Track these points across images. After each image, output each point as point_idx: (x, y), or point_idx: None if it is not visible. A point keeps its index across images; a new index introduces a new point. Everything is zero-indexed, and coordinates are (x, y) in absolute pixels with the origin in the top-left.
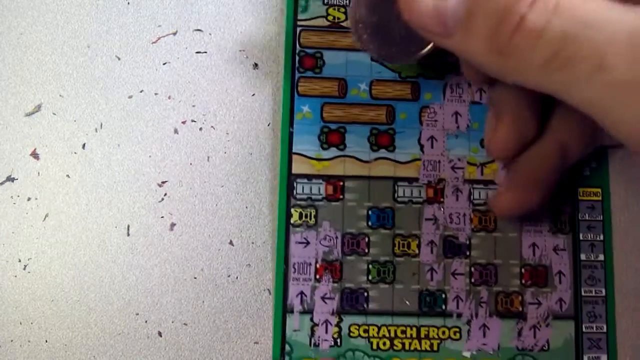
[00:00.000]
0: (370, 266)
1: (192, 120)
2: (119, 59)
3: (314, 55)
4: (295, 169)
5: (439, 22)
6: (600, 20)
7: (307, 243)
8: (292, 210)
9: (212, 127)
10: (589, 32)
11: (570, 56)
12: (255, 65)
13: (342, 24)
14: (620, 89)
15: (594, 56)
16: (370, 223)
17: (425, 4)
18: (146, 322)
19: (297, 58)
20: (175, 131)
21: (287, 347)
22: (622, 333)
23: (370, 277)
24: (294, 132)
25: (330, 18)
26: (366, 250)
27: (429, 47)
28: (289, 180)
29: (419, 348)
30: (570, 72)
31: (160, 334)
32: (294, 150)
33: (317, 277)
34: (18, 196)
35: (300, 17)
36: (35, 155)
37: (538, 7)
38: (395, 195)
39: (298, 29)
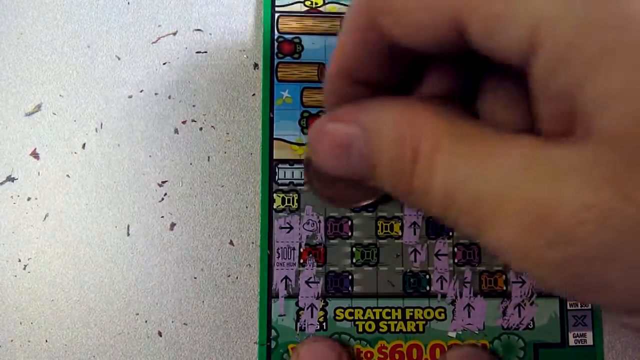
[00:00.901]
0: (354, 249)
1: (193, 120)
2: (119, 58)
3: (293, 41)
4: (277, 155)
5: (346, 170)
6: (475, 180)
7: (291, 228)
8: (275, 195)
9: (212, 127)
10: (466, 193)
11: (454, 216)
12: (256, 65)
13: (319, 8)
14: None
15: (476, 222)
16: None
17: (324, 148)
18: (146, 322)
19: (275, 44)
20: (176, 131)
21: (273, 332)
22: None
23: (354, 260)
24: (274, 118)
25: (307, 3)
26: (349, 234)
27: (377, 197)
28: (270, 165)
29: (404, 329)
30: (458, 224)
31: (160, 333)
32: (274, 136)
33: (302, 261)
34: (18, 196)
35: (278, 2)
36: (35, 155)
37: (419, 168)
38: None
39: (276, 15)
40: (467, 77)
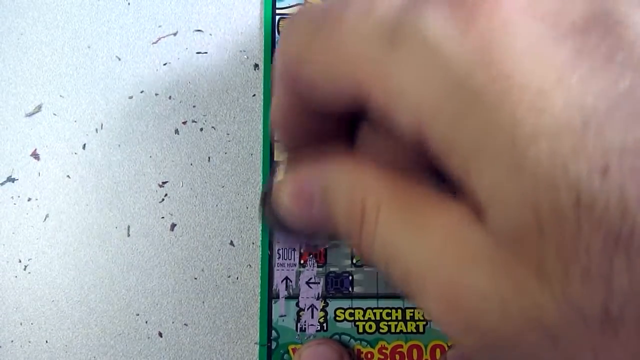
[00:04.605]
0: (354, 250)
1: (193, 121)
2: (119, 59)
3: None
4: (278, 156)
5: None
6: (414, 257)
7: None
8: None
9: (212, 127)
10: (399, 264)
11: (394, 282)
12: (256, 65)
13: None
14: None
15: (409, 292)
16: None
17: (289, 205)
18: (147, 322)
19: (276, 46)
20: (176, 131)
21: (274, 333)
22: None
23: (354, 261)
24: None
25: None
26: None
27: (333, 241)
28: (271, 167)
29: (404, 330)
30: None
31: (160, 334)
32: (275, 138)
33: (302, 262)
34: (18, 197)
35: (278, 5)
36: (35, 155)
37: (364, 233)
38: None
39: (277, 17)
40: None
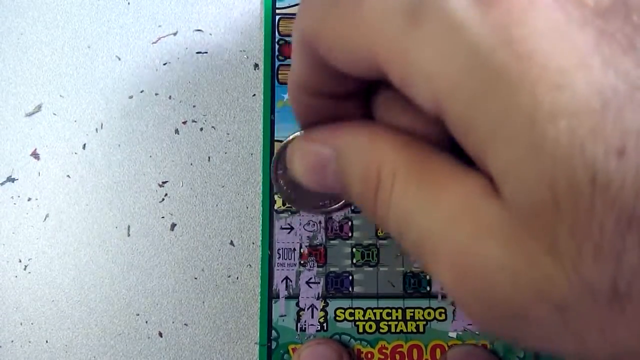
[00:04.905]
0: (354, 250)
1: (193, 121)
2: (119, 59)
3: None
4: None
5: (319, 184)
6: (425, 230)
7: (291, 228)
8: (276, 196)
9: (212, 127)
10: (412, 230)
11: (406, 247)
12: (256, 65)
13: None
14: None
15: (421, 258)
16: (353, 207)
17: (302, 167)
18: (147, 322)
19: (276, 46)
20: (176, 131)
21: (274, 333)
22: None
23: (354, 261)
24: (275, 120)
25: None
26: (350, 234)
27: (342, 202)
28: (270, 167)
29: (405, 330)
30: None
31: (160, 334)
32: (275, 138)
33: (302, 262)
34: (18, 196)
35: (278, 5)
36: (35, 155)
37: (379, 197)
38: None
39: (277, 17)
40: None
